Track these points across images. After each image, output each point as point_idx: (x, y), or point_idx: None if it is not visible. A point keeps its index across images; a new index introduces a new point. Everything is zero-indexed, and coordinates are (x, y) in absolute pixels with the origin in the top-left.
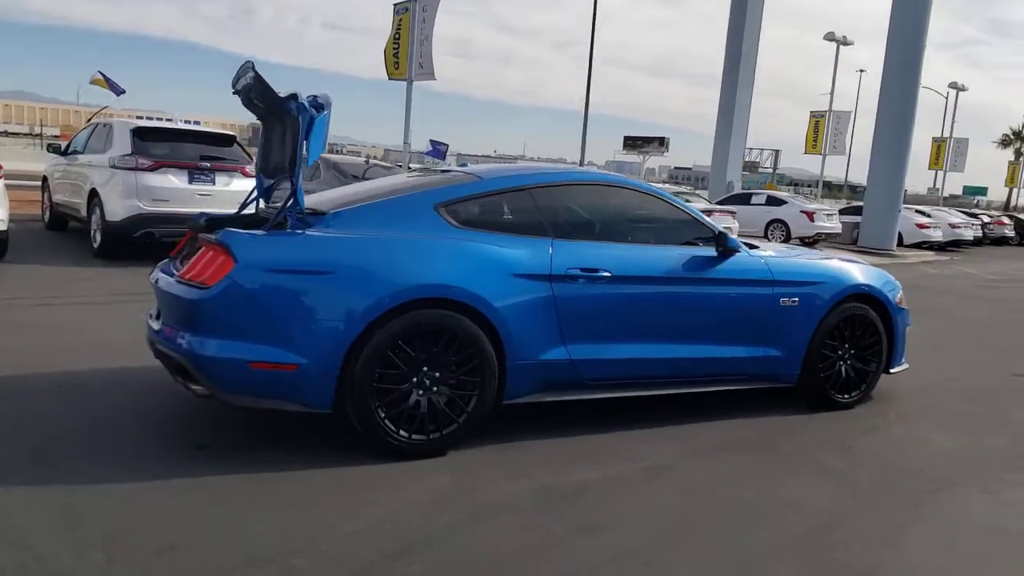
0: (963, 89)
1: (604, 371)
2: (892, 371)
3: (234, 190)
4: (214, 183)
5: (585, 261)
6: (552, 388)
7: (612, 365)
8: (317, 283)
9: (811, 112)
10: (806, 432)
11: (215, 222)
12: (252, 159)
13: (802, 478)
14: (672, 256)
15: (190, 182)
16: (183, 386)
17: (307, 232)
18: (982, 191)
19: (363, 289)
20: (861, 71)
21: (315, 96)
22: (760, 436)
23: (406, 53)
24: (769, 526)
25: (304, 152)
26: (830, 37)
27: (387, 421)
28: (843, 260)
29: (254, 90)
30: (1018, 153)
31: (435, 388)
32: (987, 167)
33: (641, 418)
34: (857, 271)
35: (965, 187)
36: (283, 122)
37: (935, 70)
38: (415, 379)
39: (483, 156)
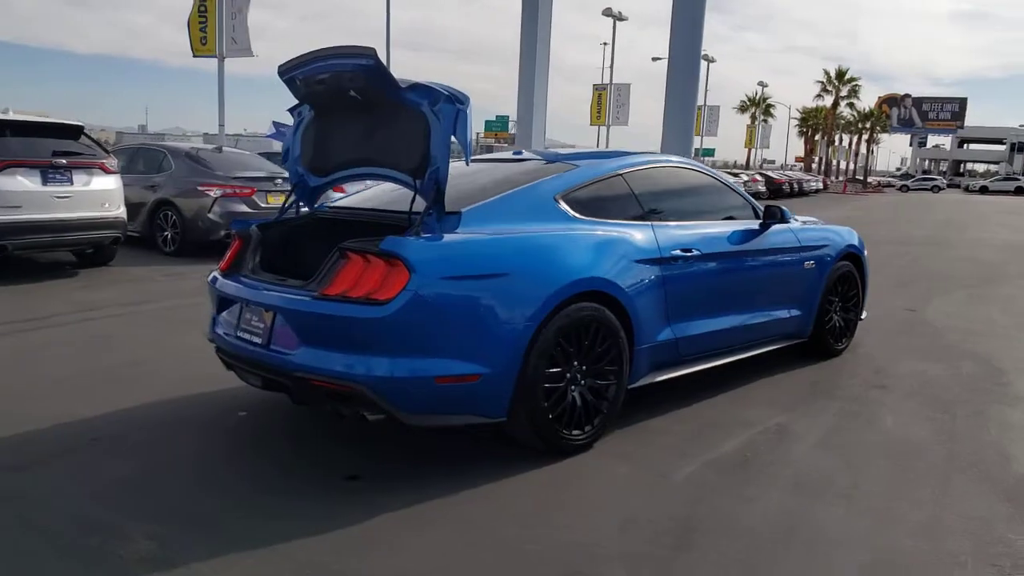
0: (713, 60)
1: (696, 346)
2: (862, 318)
3: (95, 189)
4: (72, 183)
5: (681, 242)
6: (657, 368)
7: (701, 339)
8: (493, 286)
9: (593, 86)
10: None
11: (267, 228)
12: (107, 152)
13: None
14: (732, 230)
15: (44, 183)
16: (341, 412)
17: (476, 234)
18: (710, 152)
19: (535, 288)
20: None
21: (449, 89)
22: (806, 384)
23: (214, 27)
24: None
25: (431, 150)
26: (608, 13)
27: (553, 420)
28: (829, 224)
29: (368, 78)
30: (753, 117)
31: (583, 382)
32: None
33: (671, 397)
34: (845, 233)
35: (697, 150)
36: (387, 116)
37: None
38: (569, 375)
39: (232, 135)
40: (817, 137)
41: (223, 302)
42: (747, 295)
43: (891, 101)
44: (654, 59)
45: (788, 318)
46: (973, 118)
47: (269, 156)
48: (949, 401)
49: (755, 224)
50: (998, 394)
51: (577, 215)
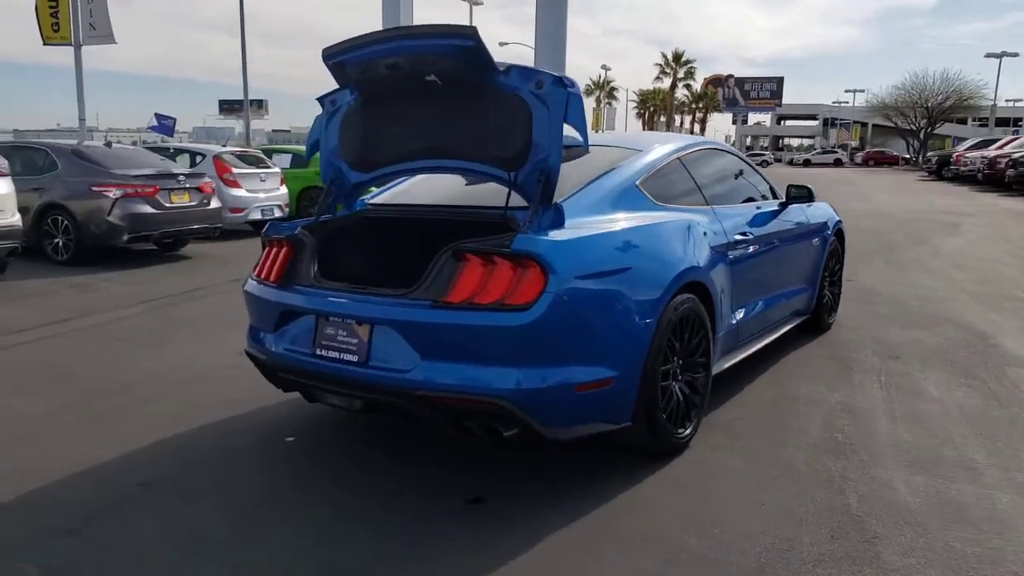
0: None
1: (748, 329)
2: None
3: None
4: None
5: (738, 225)
6: (722, 356)
7: (752, 322)
8: (617, 283)
9: None
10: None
11: (313, 231)
12: None
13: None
14: (766, 211)
15: None
16: (471, 431)
17: (588, 227)
18: None
19: (653, 282)
20: None
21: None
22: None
23: (67, 11)
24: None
25: (536, 138)
26: None
27: (666, 420)
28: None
29: (464, 61)
30: (599, 101)
31: (681, 377)
32: None
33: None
34: (829, 209)
35: None
36: (473, 102)
37: (489, 29)
38: (671, 371)
39: (47, 130)
40: (657, 119)
41: (285, 316)
42: (779, 275)
43: (716, 82)
44: (501, 44)
45: (802, 295)
46: (787, 96)
47: (155, 150)
48: (966, 367)
49: (776, 204)
50: (999, 355)
51: (656, 201)
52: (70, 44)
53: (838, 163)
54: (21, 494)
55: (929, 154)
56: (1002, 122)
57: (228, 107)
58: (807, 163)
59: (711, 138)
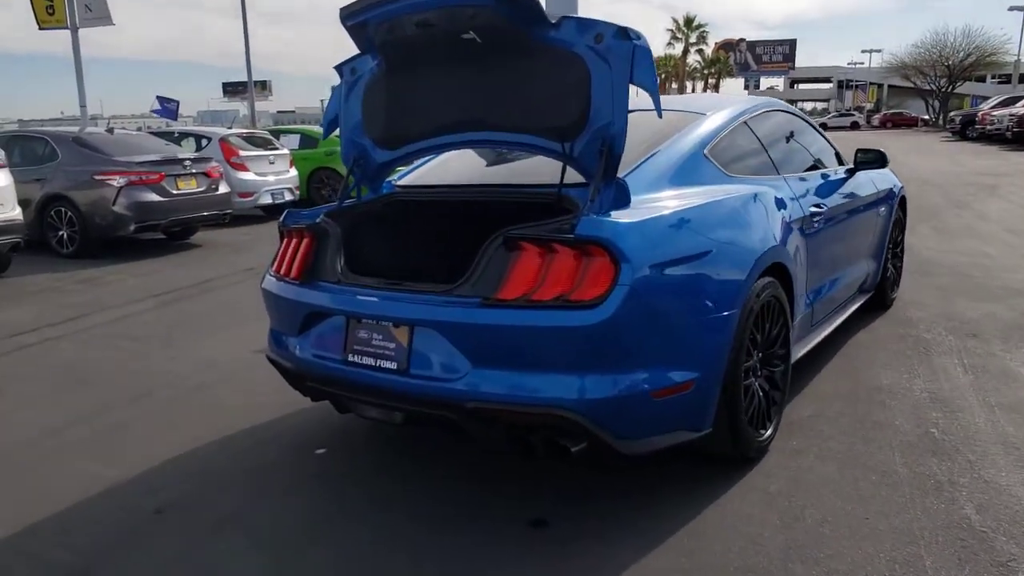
0: None
1: (820, 312)
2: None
3: None
4: None
5: (812, 197)
6: (794, 343)
7: (824, 304)
8: (698, 270)
9: None
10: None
11: (336, 219)
12: None
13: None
14: (836, 179)
15: None
16: (531, 448)
17: (658, 205)
18: None
19: (735, 267)
20: None
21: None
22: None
23: None
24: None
25: (596, 102)
26: None
27: (748, 422)
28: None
29: (509, 13)
30: None
31: (760, 372)
32: None
33: None
34: (890, 175)
35: None
36: (519, 63)
37: None
38: (752, 367)
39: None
40: (669, 86)
41: (311, 317)
42: (848, 250)
43: (727, 46)
44: None
45: (867, 270)
46: (800, 59)
47: (158, 135)
48: None
49: (844, 171)
50: None
51: (725, 172)
52: (66, 27)
53: (855, 126)
54: (27, 524)
55: (952, 114)
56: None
57: (232, 89)
58: (824, 127)
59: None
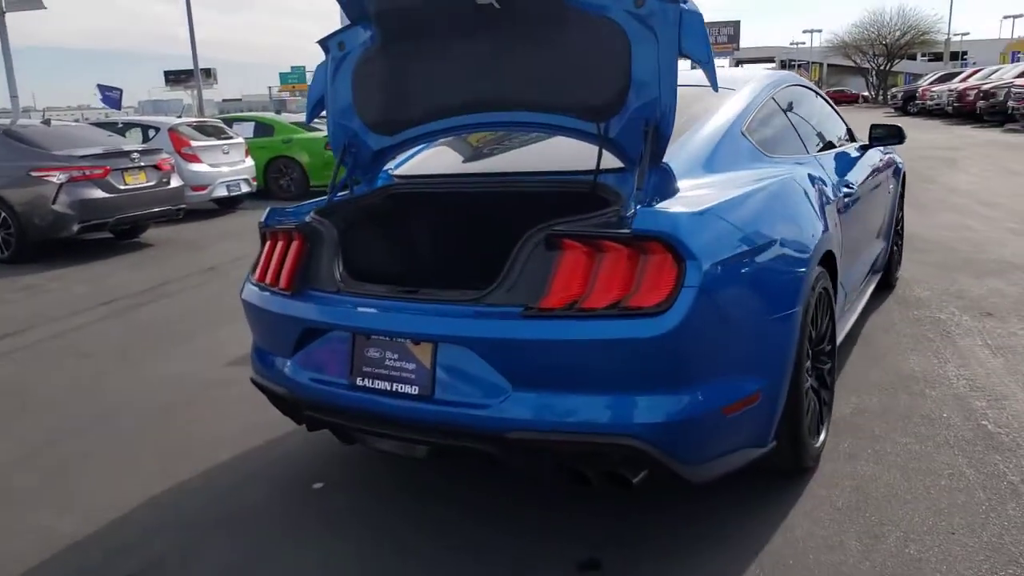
0: None
1: (851, 298)
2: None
3: None
4: None
5: (842, 177)
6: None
7: (852, 289)
8: (763, 263)
9: None
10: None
11: (328, 217)
12: None
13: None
14: (855, 157)
15: None
16: (584, 478)
17: (712, 192)
18: None
19: (798, 257)
20: None
21: None
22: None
23: None
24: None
25: (636, 75)
26: None
27: (805, 429)
28: None
29: None
30: None
31: (811, 372)
32: None
33: None
34: (893, 151)
35: None
36: (542, 32)
37: None
38: (808, 367)
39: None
40: None
41: (307, 334)
42: (868, 230)
43: None
44: None
45: (879, 250)
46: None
47: (101, 126)
48: None
49: (857, 147)
50: None
51: (763, 152)
52: None
53: None
54: None
55: (893, 90)
56: (952, 56)
57: (175, 78)
58: None
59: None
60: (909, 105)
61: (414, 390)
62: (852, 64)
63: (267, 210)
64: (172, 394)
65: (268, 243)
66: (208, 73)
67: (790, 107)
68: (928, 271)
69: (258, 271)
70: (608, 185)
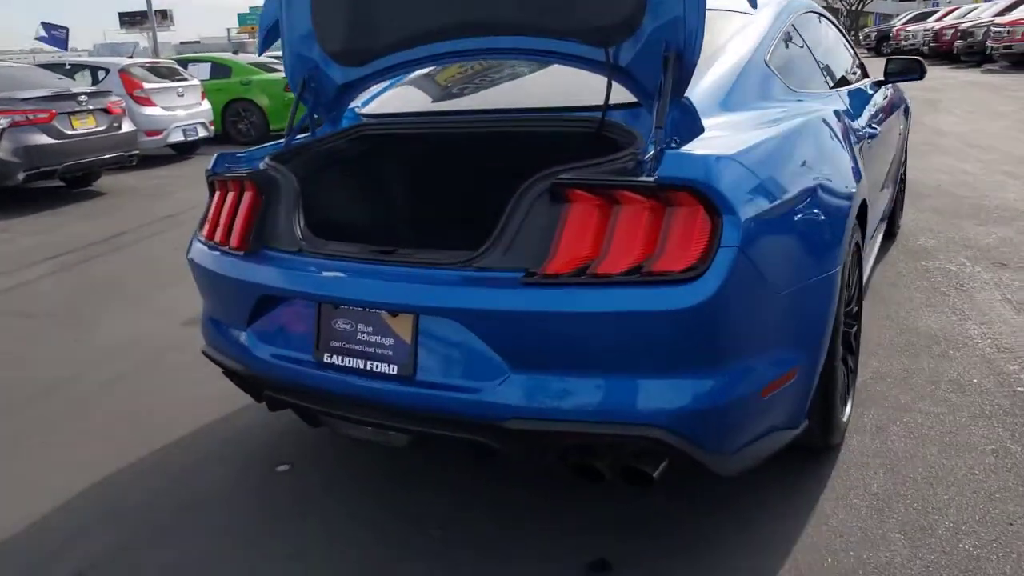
0: None
1: (869, 249)
2: None
3: None
4: None
5: (864, 116)
6: None
7: (870, 239)
8: (801, 217)
9: None
10: None
11: (285, 163)
12: None
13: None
14: (869, 94)
15: None
16: (597, 472)
17: (764, 131)
18: None
19: (839, 208)
20: None
21: None
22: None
23: None
24: None
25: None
26: None
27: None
28: None
29: None
30: None
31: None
32: None
33: None
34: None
35: None
36: None
37: None
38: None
39: None
40: None
41: (265, 302)
42: (883, 174)
43: None
44: None
45: (888, 196)
46: None
47: (47, 67)
48: None
49: (871, 83)
50: None
51: (791, 87)
52: None
53: None
54: None
55: (866, 30)
56: None
57: (130, 20)
58: None
59: None
60: (883, 45)
61: (392, 369)
62: (824, 3)
63: (215, 156)
64: (122, 360)
65: (217, 194)
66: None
67: (809, 36)
68: (930, 218)
69: (206, 227)
70: (618, 124)
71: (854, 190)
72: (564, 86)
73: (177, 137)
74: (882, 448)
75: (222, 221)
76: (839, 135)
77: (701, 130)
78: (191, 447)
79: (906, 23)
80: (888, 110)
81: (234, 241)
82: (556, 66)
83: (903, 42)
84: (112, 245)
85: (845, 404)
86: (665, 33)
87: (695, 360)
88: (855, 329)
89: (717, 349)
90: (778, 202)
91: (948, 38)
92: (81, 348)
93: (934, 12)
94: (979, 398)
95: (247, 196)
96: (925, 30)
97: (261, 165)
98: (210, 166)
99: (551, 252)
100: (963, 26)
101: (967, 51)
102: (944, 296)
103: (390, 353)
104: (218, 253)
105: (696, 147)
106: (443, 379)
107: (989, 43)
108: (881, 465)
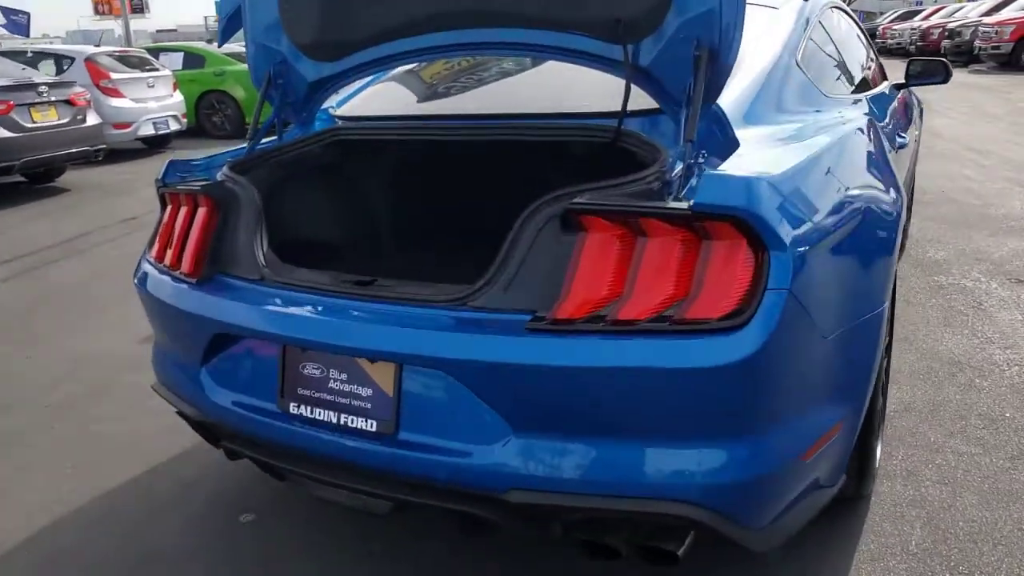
0: None
1: None
2: None
3: None
4: None
5: (891, 124)
6: None
7: None
8: (852, 248)
9: None
10: None
11: (245, 174)
12: None
13: None
14: (890, 97)
15: None
16: (613, 550)
17: (805, 147)
18: None
19: (886, 235)
20: None
21: None
22: None
23: None
24: None
25: None
26: None
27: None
28: None
29: None
30: None
31: None
32: None
33: None
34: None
35: None
36: None
37: None
38: None
39: None
40: None
41: (220, 340)
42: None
43: None
44: None
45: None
46: None
47: (7, 55)
48: None
49: (889, 86)
50: None
51: (822, 90)
52: None
53: None
54: None
55: None
56: None
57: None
58: None
59: None
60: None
61: (370, 425)
62: None
63: (165, 163)
64: (76, 381)
65: (169, 208)
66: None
67: (835, 34)
68: (938, 228)
69: (155, 247)
70: (637, 135)
71: (900, 211)
72: (568, 88)
73: (147, 130)
74: (916, 496)
75: (173, 242)
76: (878, 149)
77: (735, 144)
78: (145, 492)
79: (891, 22)
80: (907, 115)
81: (186, 266)
82: (556, 64)
83: (889, 40)
84: (72, 248)
85: (877, 447)
86: (696, 28)
87: (733, 423)
88: (886, 360)
89: (759, 410)
90: (829, 233)
91: (935, 37)
92: (31, 367)
93: (919, 11)
94: (1015, 436)
95: (201, 213)
96: (912, 29)
97: (218, 176)
98: (160, 175)
99: (563, 292)
100: (950, 25)
101: (955, 51)
102: (962, 316)
103: (368, 406)
104: (168, 279)
105: (734, 166)
106: (430, 439)
107: (977, 43)
108: (917, 518)
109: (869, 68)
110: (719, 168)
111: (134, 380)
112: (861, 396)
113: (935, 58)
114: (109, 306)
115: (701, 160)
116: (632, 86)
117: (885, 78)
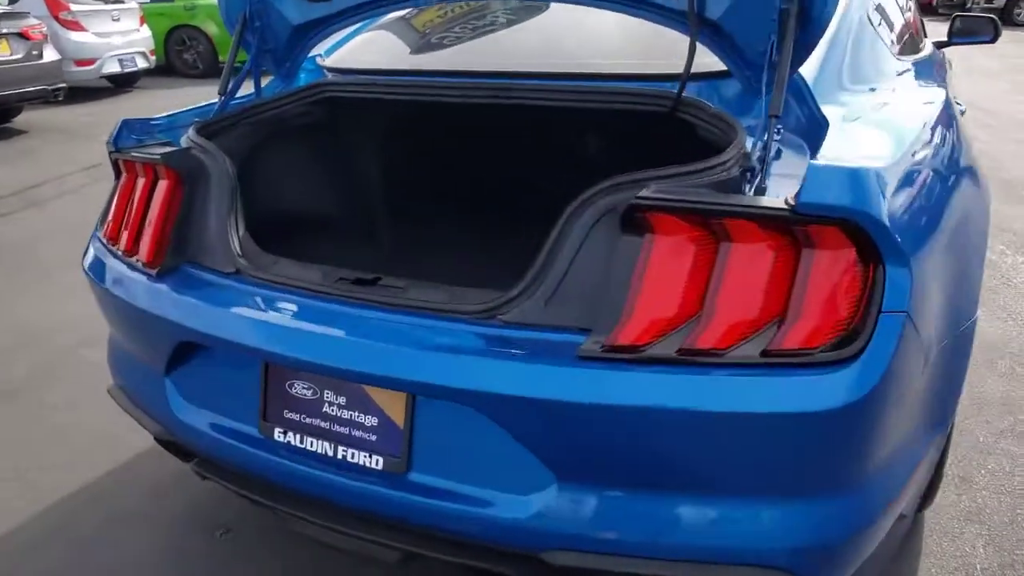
0: None
1: None
2: None
3: None
4: None
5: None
6: None
7: None
8: (954, 250)
9: None
10: None
11: (215, 139)
12: None
13: None
14: (937, 57)
15: None
16: None
17: (914, 124)
18: None
19: (983, 235)
20: None
21: None
22: None
23: None
24: None
25: None
26: None
27: None
28: None
29: None
30: None
31: None
32: None
33: None
34: None
35: None
36: None
37: None
38: None
39: None
40: None
41: (186, 348)
42: None
43: None
44: None
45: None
46: None
47: None
48: None
49: (932, 45)
50: None
51: (894, 52)
52: None
53: None
54: None
55: None
56: None
57: None
58: None
59: None
60: None
61: (375, 462)
62: None
63: (118, 125)
64: (25, 357)
65: (124, 178)
66: None
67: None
68: None
69: (108, 225)
70: (702, 104)
71: (990, 199)
72: (606, 40)
73: (112, 68)
74: (972, 508)
75: (129, 221)
76: (958, 127)
77: (824, 124)
78: (103, 502)
79: None
80: (945, 75)
81: (144, 254)
82: (589, 11)
83: None
84: (26, 199)
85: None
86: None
87: (831, 475)
88: None
89: (863, 458)
90: (939, 236)
91: None
92: None
93: None
94: None
95: (161, 188)
96: None
97: (183, 141)
98: (112, 137)
99: (625, 309)
100: None
101: (946, 4)
102: (992, 294)
103: (372, 438)
104: (124, 267)
105: (834, 154)
106: (451, 484)
107: None
108: (978, 535)
109: (919, 21)
110: (823, 158)
111: (92, 358)
112: (950, 415)
113: (985, 16)
114: (67, 267)
115: (790, 143)
116: (697, 45)
117: (924, 33)
